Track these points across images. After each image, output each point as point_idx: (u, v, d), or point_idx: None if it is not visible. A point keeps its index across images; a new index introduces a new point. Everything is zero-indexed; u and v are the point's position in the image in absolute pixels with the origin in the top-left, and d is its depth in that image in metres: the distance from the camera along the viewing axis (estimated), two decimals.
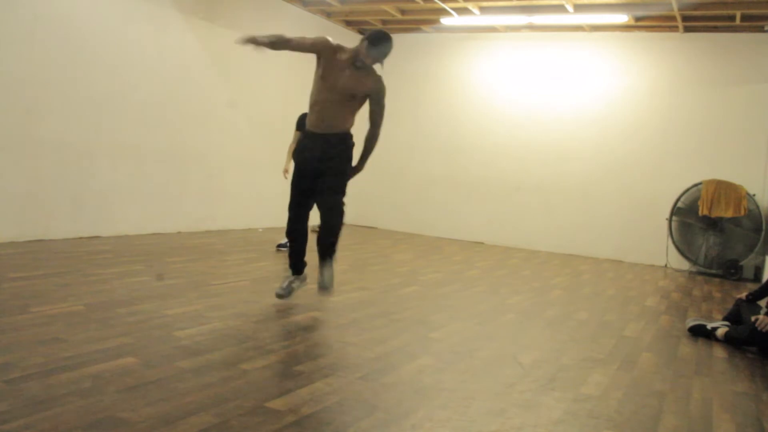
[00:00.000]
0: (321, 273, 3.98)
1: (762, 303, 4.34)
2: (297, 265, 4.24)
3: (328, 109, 3.91)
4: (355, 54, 3.84)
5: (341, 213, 3.97)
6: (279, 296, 4.13)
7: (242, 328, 3.53)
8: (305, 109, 6.52)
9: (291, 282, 4.19)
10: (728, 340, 4.07)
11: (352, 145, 4.02)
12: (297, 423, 2.30)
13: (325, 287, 3.98)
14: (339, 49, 3.90)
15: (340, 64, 3.86)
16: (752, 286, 5.91)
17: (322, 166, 3.93)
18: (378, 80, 3.92)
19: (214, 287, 4.49)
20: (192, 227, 7.30)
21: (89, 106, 6.05)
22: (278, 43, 3.93)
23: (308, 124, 4.02)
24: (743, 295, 4.48)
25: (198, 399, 2.43)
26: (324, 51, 3.90)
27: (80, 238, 6.02)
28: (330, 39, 3.92)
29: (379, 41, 3.79)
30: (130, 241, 6.20)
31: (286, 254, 6.32)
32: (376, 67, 3.92)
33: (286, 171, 6.58)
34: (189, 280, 4.66)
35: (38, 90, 5.61)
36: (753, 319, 3.96)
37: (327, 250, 3.98)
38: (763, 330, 3.86)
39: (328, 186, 3.93)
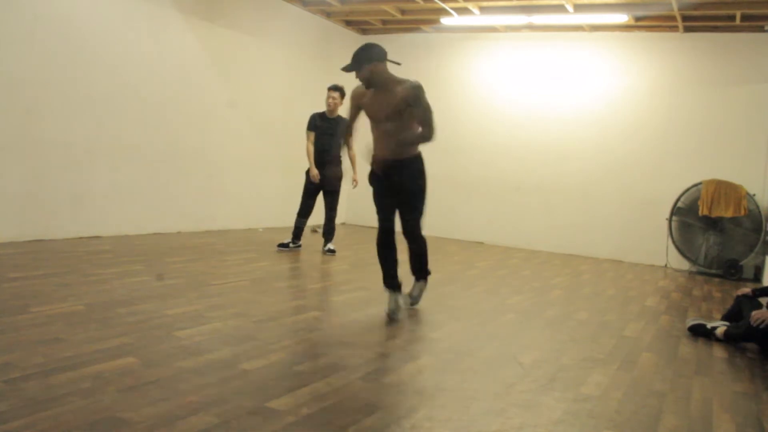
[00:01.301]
0: (411, 289, 4.44)
1: (764, 301, 4.34)
2: (391, 282, 4.27)
3: (385, 138, 4.12)
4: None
5: (422, 241, 4.35)
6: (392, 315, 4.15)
7: (242, 328, 3.53)
8: (306, 108, 6.59)
9: (395, 298, 4.21)
10: (728, 338, 4.08)
11: (420, 165, 4.24)
12: (297, 423, 2.30)
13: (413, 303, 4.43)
14: (362, 90, 4.16)
15: (366, 97, 4.12)
16: (752, 286, 5.91)
17: (395, 192, 4.20)
18: (407, 87, 3.98)
19: (214, 287, 4.49)
20: (192, 227, 7.30)
21: (89, 106, 6.05)
22: (347, 136, 4.49)
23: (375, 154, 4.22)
24: (748, 290, 4.48)
25: (198, 399, 2.43)
26: (358, 102, 4.19)
27: (80, 238, 6.02)
28: (353, 91, 4.22)
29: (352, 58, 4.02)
30: (130, 241, 6.21)
31: (288, 254, 6.38)
32: (401, 74, 4.11)
33: (316, 176, 6.45)
34: (189, 280, 4.66)
35: (38, 90, 5.62)
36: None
37: (417, 271, 4.45)
38: (755, 325, 3.89)
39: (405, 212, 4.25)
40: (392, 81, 4.03)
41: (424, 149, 4.23)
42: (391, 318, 4.07)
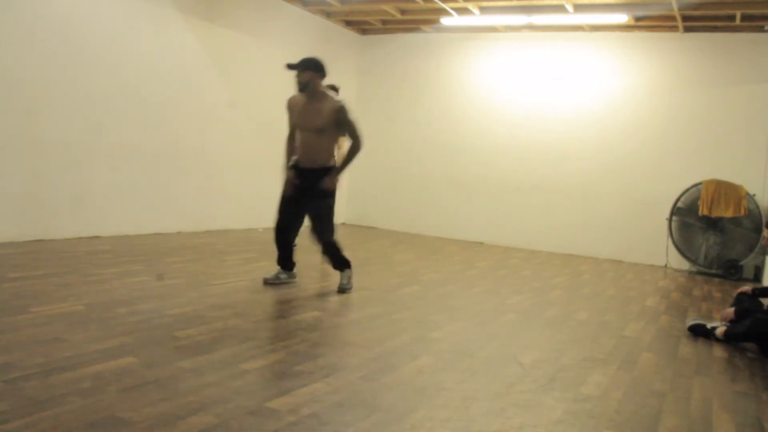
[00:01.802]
0: (340, 279, 4.84)
1: (765, 301, 4.35)
2: (284, 263, 4.88)
3: (305, 146, 4.52)
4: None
5: (328, 244, 4.66)
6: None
7: (242, 328, 3.53)
8: None
9: (278, 273, 4.87)
10: (728, 338, 4.08)
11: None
12: (297, 423, 2.30)
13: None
14: (297, 97, 4.55)
15: (299, 104, 4.53)
16: (752, 286, 5.91)
17: (305, 197, 4.55)
18: (334, 108, 4.41)
19: (214, 287, 4.49)
20: (192, 227, 7.30)
21: (89, 106, 6.05)
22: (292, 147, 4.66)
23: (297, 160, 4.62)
24: (748, 288, 4.49)
25: (198, 399, 2.43)
26: (292, 107, 4.59)
27: (80, 238, 6.02)
28: (290, 98, 4.61)
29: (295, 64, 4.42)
30: (130, 241, 6.21)
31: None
32: (332, 93, 4.55)
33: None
34: (189, 280, 4.66)
35: (38, 90, 5.62)
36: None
37: (337, 267, 4.83)
38: (722, 322, 4.11)
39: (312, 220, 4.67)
40: (323, 96, 4.46)
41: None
42: (265, 282, 4.72)
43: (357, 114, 10.46)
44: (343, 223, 9.97)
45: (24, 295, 3.74)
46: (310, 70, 4.42)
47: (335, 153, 6.58)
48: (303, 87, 4.44)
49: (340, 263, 4.82)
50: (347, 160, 4.57)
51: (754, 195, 7.44)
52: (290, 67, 4.45)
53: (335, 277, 5.58)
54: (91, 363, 2.70)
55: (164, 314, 3.62)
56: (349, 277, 4.83)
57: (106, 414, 2.22)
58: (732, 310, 4.16)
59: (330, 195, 4.58)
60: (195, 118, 7.24)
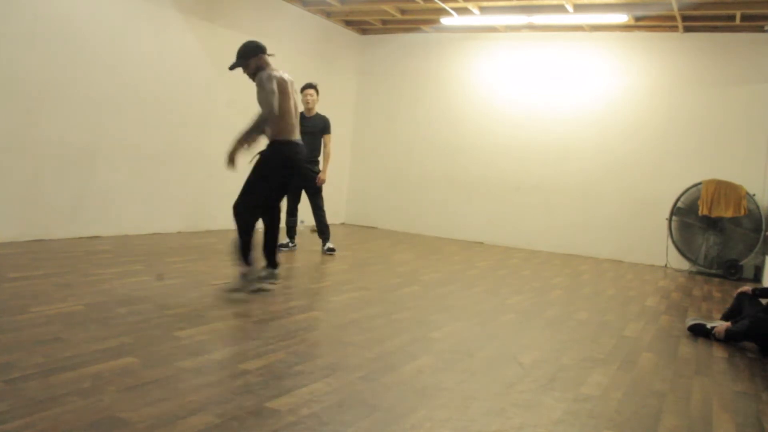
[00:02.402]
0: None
1: (764, 302, 4.35)
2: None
3: None
4: None
5: (236, 214, 4.37)
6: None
7: (242, 328, 3.53)
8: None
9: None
10: (728, 337, 4.08)
11: (270, 152, 4.47)
12: (297, 423, 2.30)
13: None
14: None
15: None
16: (752, 286, 5.91)
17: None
18: (257, 78, 4.40)
19: (214, 287, 4.49)
20: (192, 227, 7.30)
21: (89, 106, 6.05)
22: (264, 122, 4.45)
23: None
24: (748, 288, 4.49)
25: (198, 399, 2.43)
26: None
27: (80, 238, 6.02)
28: None
29: None
30: (130, 241, 6.21)
31: (288, 254, 6.39)
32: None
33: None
34: (189, 280, 4.66)
35: (38, 90, 5.61)
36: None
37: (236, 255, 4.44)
38: (719, 338, 4.10)
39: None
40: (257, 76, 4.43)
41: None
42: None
43: (357, 114, 10.47)
44: (343, 223, 9.97)
45: (24, 295, 3.74)
46: (249, 58, 4.44)
47: (321, 150, 6.64)
48: (253, 75, 4.48)
49: (242, 253, 4.34)
50: (251, 128, 4.40)
51: (754, 195, 7.45)
52: (232, 67, 4.48)
53: (335, 276, 5.59)
54: (91, 363, 2.70)
55: (164, 314, 3.62)
56: (244, 283, 4.33)
57: (106, 414, 2.22)
58: (726, 325, 4.16)
59: (256, 166, 4.43)
60: (195, 118, 7.24)
